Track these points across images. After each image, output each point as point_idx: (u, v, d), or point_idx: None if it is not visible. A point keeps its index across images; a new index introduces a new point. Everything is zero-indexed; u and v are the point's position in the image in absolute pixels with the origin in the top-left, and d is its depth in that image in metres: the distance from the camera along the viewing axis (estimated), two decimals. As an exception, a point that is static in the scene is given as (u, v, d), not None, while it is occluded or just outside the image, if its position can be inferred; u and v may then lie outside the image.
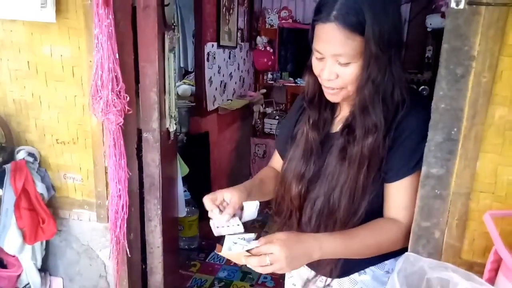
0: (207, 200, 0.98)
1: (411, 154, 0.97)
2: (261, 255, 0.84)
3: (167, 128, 1.76)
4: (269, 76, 4.26)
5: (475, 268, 0.96)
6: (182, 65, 3.99)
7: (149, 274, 1.62)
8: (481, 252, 0.97)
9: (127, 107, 1.31)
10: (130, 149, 1.43)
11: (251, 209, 1.00)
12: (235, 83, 3.79)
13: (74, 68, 1.35)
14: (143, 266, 1.63)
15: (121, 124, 1.31)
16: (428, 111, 0.95)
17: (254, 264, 0.83)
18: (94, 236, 1.51)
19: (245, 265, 0.86)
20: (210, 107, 3.25)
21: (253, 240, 0.91)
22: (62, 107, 1.38)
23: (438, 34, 3.24)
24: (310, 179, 1.06)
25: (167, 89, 1.66)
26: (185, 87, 3.24)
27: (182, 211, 2.38)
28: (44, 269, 1.59)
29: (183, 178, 3.07)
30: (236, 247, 0.87)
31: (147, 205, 1.55)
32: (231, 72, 3.65)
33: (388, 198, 0.99)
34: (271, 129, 4.18)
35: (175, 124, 1.89)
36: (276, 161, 1.26)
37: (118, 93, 1.28)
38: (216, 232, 0.94)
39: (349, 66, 0.93)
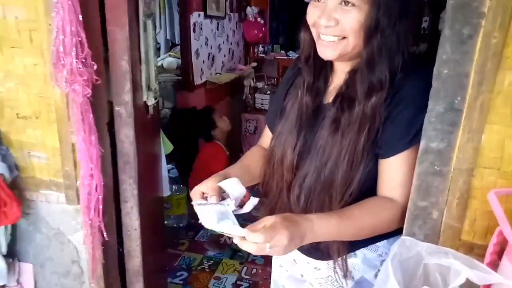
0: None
1: (408, 126, 0.89)
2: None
3: (145, 101, 1.63)
4: (260, 49, 4.11)
5: (475, 250, 0.90)
6: (168, 37, 3.80)
7: (127, 258, 1.52)
8: (482, 233, 0.91)
9: (95, 77, 1.17)
10: (101, 124, 1.29)
11: (233, 186, 0.90)
12: (224, 56, 3.63)
13: (32, 33, 1.19)
14: (120, 250, 1.53)
15: (89, 95, 1.17)
16: (430, 78, 0.84)
17: (252, 251, 0.75)
18: (65, 219, 1.39)
19: (234, 243, 0.78)
20: (198, 81, 3.11)
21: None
22: (21, 78, 1.23)
23: (435, 3, 3.09)
24: (299, 154, 0.98)
25: (143, 58, 1.51)
26: (171, 60, 3.09)
27: (166, 190, 2.27)
28: (12, 255, 1.47)
29: (170, 156, 2.96)
30: (225, 226, 0.78)
31: (122, 185, 1.43)
32: (219, 44, 3.49)
33: (383, 175, 0.93)
34: (262, 104, 4.06)
35: (155, 97, 1.75)
36: (266, 138, 1.16)
37: (83, 60, 1.13)
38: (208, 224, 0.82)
39: (353, 11, 0.85)
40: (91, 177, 1.22)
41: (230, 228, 0.77)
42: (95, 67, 1.16)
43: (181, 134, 3.03)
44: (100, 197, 1.26)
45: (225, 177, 0.94)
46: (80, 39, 1.13)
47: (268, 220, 0.78)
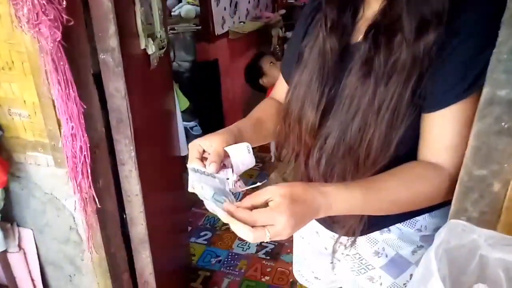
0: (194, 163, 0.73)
1: (465, 67, 0.67)
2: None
3: (144, 49, 1.41)
4: (289, -7, 3.74)
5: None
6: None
7: (130, 225, 1.38)
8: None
9: (65, 16, 0.97)
10: (84, 75, 1.11)
11: (241, 154, 0.73)
12: (249, 2, 3.32)
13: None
14: (125, 217, 1.39)
15: (59, 39, 0.97)
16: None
17: (248, 239, 0.60)
18: (57, 184, 1.26)
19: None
20: (219, 31, 2.85)
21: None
22: (-15, 21, 1.06)
23: None
24: (322, 112, 0.80)
25: (137, -3, 1.29)
26: (188, 7, 2.82)
27: (183, 149, 2.14)
28: (11, 220, 1.38)
29: (192, 112, 2.79)
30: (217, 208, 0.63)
31: (117, 146, 1.26)
32: (243, -11, 3.18)
33: (427, 134, 0.73)
34: (292, 56, 3.74)
35: (161, 47, 1.54)
36: (281, 90, 0.97)
37: (49, -5, 0.93)
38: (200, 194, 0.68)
39: None
40: (73, 137, 1.05)
41: (221, 213, 0.61)
42: (64, 3, 0.94)
43: (202, 89, 2.84)
44: (88, 160, 1.10)
45: (236, 136, 0.77)
46: (43, -33, 0.91)
47: (274, 196, 0.61)
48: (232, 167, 0.72)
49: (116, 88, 1.18)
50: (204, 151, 0.75)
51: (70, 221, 1.30)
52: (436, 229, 0.84)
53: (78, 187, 1.15)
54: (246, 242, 2.42)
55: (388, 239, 0.88)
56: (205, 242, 2.44)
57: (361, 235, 0.89)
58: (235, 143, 0.75)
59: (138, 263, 1.45)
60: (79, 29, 1.05)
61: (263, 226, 0.60)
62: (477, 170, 0.67)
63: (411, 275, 0.89)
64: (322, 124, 0.80)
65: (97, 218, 1.24)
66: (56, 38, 0.97)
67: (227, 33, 2.95)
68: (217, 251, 2.37)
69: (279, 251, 2.32)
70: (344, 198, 0.67)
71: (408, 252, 0.88)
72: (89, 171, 1.14)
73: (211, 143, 0.73)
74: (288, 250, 2.30)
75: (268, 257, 2.29)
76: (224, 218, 0.61)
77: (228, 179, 0.70)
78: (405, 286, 0.90)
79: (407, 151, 0.75)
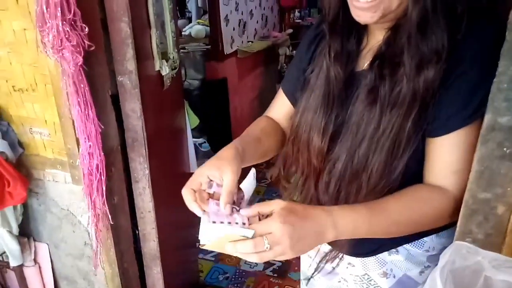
0: (186, 193, 0.72)
1: (468, 96, 0.69)
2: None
3: (158, 71, 1.47)
4: (296, 14, 3.83)
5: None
6: (200, 4, 3.61)
7: (142, 241, 1.41)
8: None
9: (87, 42, 1.02)
10: (102, 97, 1.16)
11: (250, 184, 0.73)
12: (257, 22, 3.38)
13: (16, -9, 1.06)
14: (137, 232, 1.43)
15: (80, 64, 1.03)
16: (497, 29, 0.62)
17: (247, 250, 0.61)
18: (73, 200, 1.30)
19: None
20: (228, 50, 2.91)
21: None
22: (12, 45, 1.11)
23: None
24: (331, 135, 0.81)
25: (152, 21, 1.35)
26: (199, 28, 2.89)
27: (193, 165, 2.17)
28: (28, 234, 1.42)
29: (200, 129, 2.83)
30: (215, 229, 0.62)
31: (132, 165, 1.30)
32: (251, 10, 3.24)
33: (432, 158, 0.75)
34: (299, 74, 3.79)
35: (173, 67, 1.59)
36: (279, 109, 0.98)
37: (72, 23, 0.99)
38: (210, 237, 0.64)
39: None
40: (90, 156, 1.10)
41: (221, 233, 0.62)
42: (86, 30, 1.00)
43: (212, 107, 2.89)
44: (103, 177, 1.14)
45: (241, 158, 0.76)
46: (66, -4, 0.97)
47: (277, 207, 0.64)
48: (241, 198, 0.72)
49: (132, 108, 1.23)
50: (210, 180, 0.73)
51: (85, 237, 1.33)
52: (443, 249, 0.83)
53: (92, 204, 1.19)
54: (254, 259, 2.42)
55: (396, 260, 0.88)
56: (213, 259, 2.44)
57: (370, 255, 0.90)
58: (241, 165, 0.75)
59: (150, 279, 1.48)
60: (99, 54, 1.11)
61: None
62: (481, 193, 0.68)
63: None
64: (331, 149, 0.81)
65: (111, 234, 1.28)
66: (77, 63, 1.03)
67: (236, 52, 3.00)
68: (224, 268, 2.37)
69: (286, 268, 2.32)
70: (350, 220, 0.68)
71: (416, 273, 0.88)
72: (104, 188, 1.18)
73: (221, 175, 0.71)
74: (296, 268, 2.30)
75: (276, 275, 2.29)
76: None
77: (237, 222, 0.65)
78: None
79: (412, 176, 0.76)
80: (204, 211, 0.68)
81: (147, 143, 1.28)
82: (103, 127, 1.13)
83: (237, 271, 2.34)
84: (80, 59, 1.02)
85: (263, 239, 0.61)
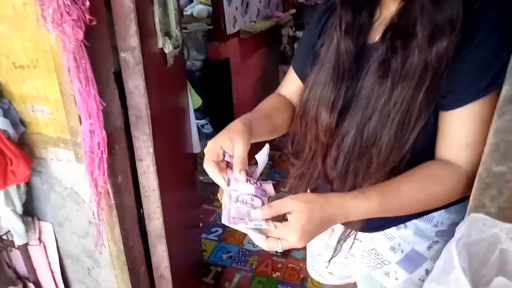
0: (209, 166, 0.74)
1: (485, 67, 0.68)
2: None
3: (161, 49, 1.44)
4: (300, -7, 3.74)
5: None
6: (202, -16, 3.54)
7: (147, 220, 1.41)
8: None
9: (88, 16, 1.00)
10: (105, 73, 1.14)
11: (263, 158, 0.76)
12: (260, 2, 3.32)
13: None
14: (142, 211, 1.43)
15: (81, 39, 1.00)
16: None
17: (262, 246, 0.66)
18: (77, 179, 1.29)
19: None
20: (230, 30, 2.86)
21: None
22: (12, 20, 1.08)
23: None
24: (340, 110, 0.81)
25: (155, -3, 1.32)
26: (201, 7, 2.84)
27: (196, 146, 2.17)
28: (31, 214, 1.42)
29: (203, 110, 2.81)
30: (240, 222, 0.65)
31: (135, 143, 1.29)
32: (254, -11, 3.18)
33: (445, 133, 0.74)
34: (302, 55, 3.73)
35: (176, 46, 1.56)
36: (290, 86, 0.97)
37: (73, -4, 0.96)
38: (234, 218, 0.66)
39: None
40: (91, 133, 1.08)
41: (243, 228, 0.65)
42: (87, 3, 0.98)
43: (214, 87, 2.86)
44: (105, 155, 1.13)
45: (250, 131, 0.77)
46: (68, -31, 0.94)
47: (293, 209, 0.66)
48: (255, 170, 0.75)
49: (136, 85, 1.21)
50: (224, 153, 0.74)
51: (89, 215, 1.33)
52: (452, 224, 0.87)
53: (94, 182, 1.18)
54: (257, 239, 2.44)
55: (404, 235, 0.89)
56: (216, 238, 2.46)
57: (378, 231, 0.91)
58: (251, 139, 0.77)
59: (155, 257, 1.48)
60: (101, 29, 1.09)
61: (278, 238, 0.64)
62: (496, 167, 0.67)
63: (426, 270, 0.90)
64: (340, 124, 0.81)
65: (115, 212, 1.27)
66: (78, 38, 1.00)
67: (238, 32, 2.96)
68: (228, 247, 2.39)
69: (290, 247, 2.34)
70: (362, 207, 0.70)
71: (423, 248, 0.88)
72: (105, 166, 1.17)
73: (233, 145, 0.73)
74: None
75: (279, 253, 2.31)
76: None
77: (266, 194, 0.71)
78: (420, 281, 0.91)
79: (422, 151, 0.75)
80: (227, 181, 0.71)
81: (151, 121, 1.27)
82: (105, 104, 1.12)
83: (241, 250, 2.37)
84: (81, 34, 1.00)
85: (278, 242, 0.64)
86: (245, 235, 2.44)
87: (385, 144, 0.73)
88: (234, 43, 2.92)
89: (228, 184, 0.70)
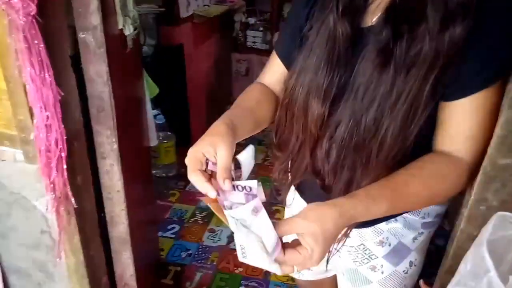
0: (196, 176, 0.66)
1: (492, 55, 0.65)
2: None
3: (121, 30, 1.27)
4: (252, -23, 3.64)
5: None
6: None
7: (110, 225, 1.25)
8: None
9: (41, -13, 0.82)
10: (60, 57, 0.95)
11: (248, 159, 0.70)
12: (213, -16, 3.17)
13: None
14: (102, 215, 1.26)
15: (33, 14, 0.82)
16: None
17: (277, 273, 0.63)
18: (26, 182, 1.09)
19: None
20: (184, 14, 2.70)
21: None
22: None
23: None
24: (331, 101, 0.75)
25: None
26: (151, -13, 2.63)
27: (153, 139, 2.00)
28: (-34, 225, 1.20)
29: (154, 100, 2.62)
30: (253, 249, 0.58)
31: (97, 138, 1.12)
32: (207, -30, 3.02)
33: (446, 124, 0.71)
34: (254, 42, 3.66)
35: (134, 27, 1.39)
36: (273, 75, 0.90)
37: (22, -40, 0.78)
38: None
39: None
40: (47, 128, 0.90)
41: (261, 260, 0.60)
42: (41, -28, 0.80)
43: (167, 75, 2.67)
44: (63, 154, 0.96)
45: (233, 132, 0.70)
46: None
47: (305, 232, 0.61)
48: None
49: (98, 72, 1.04)
50: (207, 160, 0.67)
51: (41, 224, 1.14)
52: (437, 216, 0.90)
53: (51, 185, 1.00)
54: (216, 234, 2.34)
55: (393, 228, 0.88)
56: (173, 236, 2.33)
57: (368, 226, 0.89)
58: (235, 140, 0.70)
59: (119, 265, 1.33)
60: (56, 3, 0.90)
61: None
62: (501, 159, 0.66)
63: (410, 262, 0.92)
64: (331, 112, 0.75)
65: (74, 219, 1.10)
66: (30, 12, 0.82)
67: (192, 16, 2.79)
68: (186, 245, 2.28)
69: (251, 242, 2.28)
70: (372, 215, 0.67)
71: (409, 240, 0.89)
72: (64, 167, 1.00)
73: (215, 151, 0.66)
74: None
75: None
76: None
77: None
78: (404, 273, 0.92)
79: (423, 143, 0.72)
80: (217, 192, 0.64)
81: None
82: (62, 93, 0.94)
83: (200, 247, 2.26)
84: (33, 8, 0.81)
85: (293, 268, 0.62)
86: (204, 230, 2.36)
87: (389, 137, 0.69)
88: (188, 27, 2.75)
89: (219, 194, 0.64)
